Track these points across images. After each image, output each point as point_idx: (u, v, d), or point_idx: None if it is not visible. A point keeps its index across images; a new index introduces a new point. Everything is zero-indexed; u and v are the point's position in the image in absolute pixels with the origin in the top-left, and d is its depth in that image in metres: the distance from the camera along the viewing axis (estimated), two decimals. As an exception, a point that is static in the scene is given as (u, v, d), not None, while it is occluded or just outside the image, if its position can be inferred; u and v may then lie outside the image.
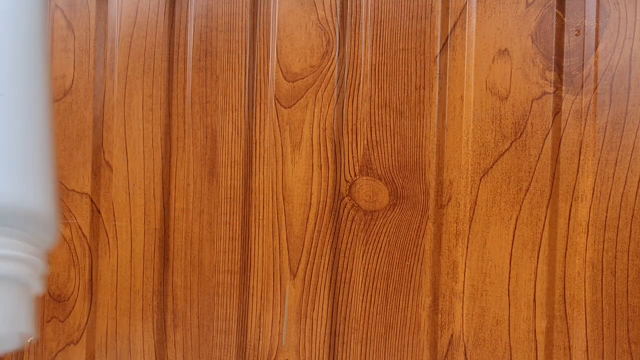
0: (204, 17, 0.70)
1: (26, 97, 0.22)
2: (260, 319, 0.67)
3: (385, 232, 0.62)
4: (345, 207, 0.63)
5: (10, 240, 0.20)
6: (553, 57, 0.56)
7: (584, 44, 0.55)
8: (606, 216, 0.54)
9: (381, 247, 0.62)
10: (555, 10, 0.56)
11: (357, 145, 0.63)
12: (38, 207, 0.22)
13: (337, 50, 0.64)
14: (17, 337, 0.21)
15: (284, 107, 0.66)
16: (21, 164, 0.22)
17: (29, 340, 0.78)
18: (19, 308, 0.20)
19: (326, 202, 0.64)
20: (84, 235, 0.75)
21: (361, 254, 0.63)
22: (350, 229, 0.63)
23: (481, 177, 0.58)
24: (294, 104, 0.65)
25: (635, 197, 0.53)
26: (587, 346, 0.55)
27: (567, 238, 0.55)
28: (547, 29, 0.56)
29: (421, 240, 0.60)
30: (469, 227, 0.59)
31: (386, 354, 0.62)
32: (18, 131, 0.21)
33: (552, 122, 0.56)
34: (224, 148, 0.69)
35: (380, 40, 0.62)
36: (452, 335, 0.59)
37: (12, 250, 0.20)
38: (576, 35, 0.55)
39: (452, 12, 0.60)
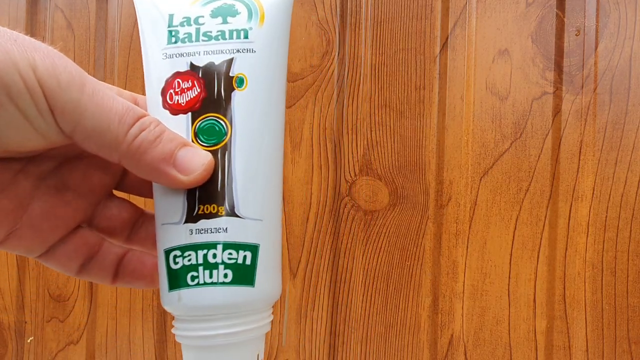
0: (204, 17, 0.70)
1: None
2: (260, 319, 0.67)
3: (385, 232, 0.62)
4: (345, 207, 0.63)
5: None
6: (553, 57, 0.56)
7: (584, 44, 0.55)
8: (606, 216, 0.54)
9: (381, 247, 0.62)
10: (555, 10, 0.56)
11: (357, 145, 0.63)
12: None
13: (337, 50, 0.64)
14: None
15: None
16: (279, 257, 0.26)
17: (28, 341, 0.78)
18: None
19: (326, 202, 0.64)
20: (84, 235, 0.75)
21: (361, 254, 0.63)
22: (350, 229, 0.63)
23: (481, 177, 0.58)
24: (294, 104, 0.65)
25: (635, 197, 0.53)
26: (587, 346, 0.55)
27: (567, 238, 0.55)
28: (547, 29, 0.56)
29: (421, 240, 0.60)
30: (469, 227, 0.59)
31: (386, 354, 0.62)
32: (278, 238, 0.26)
33: (552, 122, 0.56)
34: (224, 148, 0.69)
35: (380, 40, 0.62)
36: (452, 335, 0.59)
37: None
38: (576, 35, 0.55)
39: (452, 12, 0.60)
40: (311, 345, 0.65)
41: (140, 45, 0.28)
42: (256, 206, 0.25)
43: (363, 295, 0.63)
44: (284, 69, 0.28)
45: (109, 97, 0.23)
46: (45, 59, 0.21)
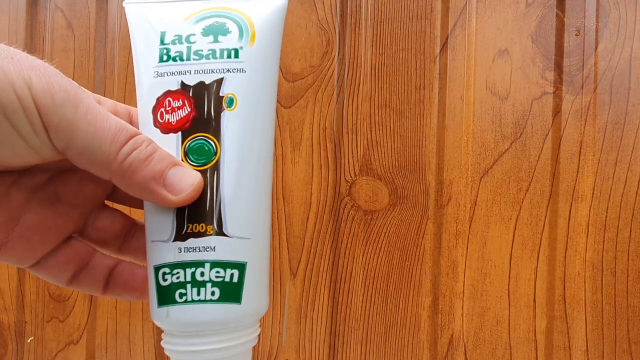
0: (204, 17, 0.70)
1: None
2: (260, 319, 0.67)
3: (385, 232, 0.62)
4: (345, 207, 0.63)
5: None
6: (553, 57, 0.56)
7: (584, 44, 0.55)
8: (606, 216, 0.54)
9: (381, 247, 0.62)
10: (555, 10, 0.56)
11: (357, 145, 0.63)
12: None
13: (337, 50, 0.64)
14: None
15: (284, 107, 0.66)
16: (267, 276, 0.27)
17: (28, 341, 0.78)
18: None
19: (326, 202, 0.64)
20: (84, 235, 0.75)
21: (361, 254, 0.63)
22: (350, 229, 0.63)
23: (481, 177, 0.58)
24: (294, 104, 0.65)
25: (635, 197, 0.53)
26: (587, 346, 0.55)
27: (567, 238, 0.55)
28: (547, 29, 0.56)
29: (421, 240, 0.60)
30: (469, 227, 0.59)
31: (386, 354, 0.62)
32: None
33: (552, 122, 0.56)
34: (224, 148, 0.69)
35: (380, 40, 0.62)
36: (452, 335, 0.59)
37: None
38: (576, 35, 0.55)
39: (452, 12, 0.60)
40: (311, 345, 0.65)
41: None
42: (244, 225, 0.25)
43: (363, 295, 0.63)
44: (274, 89, 0.28)
45: (103, 115, 0.23)
46: (41, 77, 0.21)
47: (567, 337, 0.55)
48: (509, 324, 0.57)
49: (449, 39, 0.60)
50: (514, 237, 0.57)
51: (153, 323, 0.72)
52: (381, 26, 0.62)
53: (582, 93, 0.55)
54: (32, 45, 0.78)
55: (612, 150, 0.54)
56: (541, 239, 0.56)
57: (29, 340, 0.78)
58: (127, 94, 0.72)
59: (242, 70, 0.26)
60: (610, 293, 0.54)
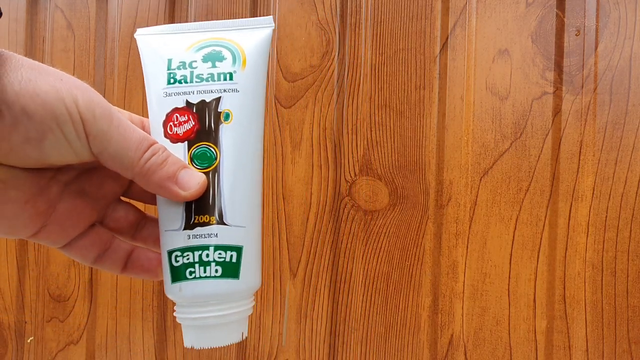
0: (204, 18, 0.70)
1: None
2: (260, 319, 0.67)
3: (385, 232, 0.62)
4: (345, 207, 0.63)
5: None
6: (553, 57, 0.56)
7: (584, 44, 0.55)
8: (606, 216, 0.54)
9: (381, 247, 0.62)
10: (555, 10, 0.56)
11: (357, 145, 0.63)
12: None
13: (337, 50, 0.64)
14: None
15: (284, 107, 0.66)
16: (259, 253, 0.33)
17: (28, 341, 0.78)
18: None
19: (326, 202, 0.64)
20: (84, 235, 0.75)
21: (361, 254, 0.63)
22: (350, 229, 0.63)
23: (481, 177, 0.58)
24: (294, 104, 0.65)
25: (635, 197, 0.53)
26: (587, 346, 0.55)
27: (567, 238, 0.55)
28: (547, 29, 0.56)
29: (421, 240, 0.60)
30: (469, 227, 0.59)
31: (386, 354, 0.62)
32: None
33: (552, 122, 0.56)
34: (224, 148, 0.69)
35: (380, 40, 0.62)
36: (452, 335, 0.59)
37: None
38: (576, 35, 0.55)
39: (452, 12, 0.60)
40: (311, 345, 0.65)
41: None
42: (240, 216, 0.31)
43: (363, 295, 0.63)
44: (262, 104, 0.33)
45: (131, 128, 0.29)
46: (84, 95, 0.27)
47: (567, 337, 0.55)
48: (509, 324, 0.57)
49: (449, 39, 0.60)
50: (514, 237, 0.57)
51: (153, 323, 0.72)
52: (381, 26, 0.62)
53: (582, 93, 0.55)
54: (32, 45, 0.78)
55: (612, 150, 0.54)
56: (541, 239, 0.56)
57: (29, 340, 0.78)
58: (127, 94, 0.72)
59: (236, 90, 0.32)
60: (610, 293, 0.54)
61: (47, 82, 0.26)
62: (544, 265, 0.56)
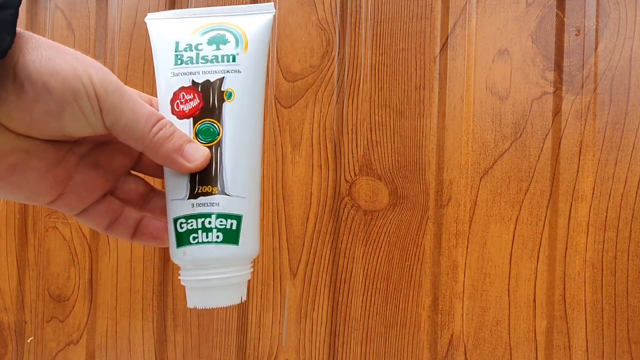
0: (204, 17, 0.70)
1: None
2: (260, 319, 0.67)
3: (385, 232, 0.62)
4: (345, 207, 0.63)
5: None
6: (553, 57, 0.56)
7: (584, 44, 0.55)
8: (606, 216, 0.54)
9: (381, 247, 0.62)
10: (555, 10, 0.56)
11: (357, 145, 0.63)
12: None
13: (337, 50, 0.64)
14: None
15: (284, 107, 0.66)
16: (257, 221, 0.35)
17: (28, 341, 0.78)
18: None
19: (326, 202, 0.64)
20: (84, 235, 0.75)
21: (361, 254, 0.63)
22: (350, 229, 0.63)
23: (481, 177, 0.58)
24: (294, 104, 0.65)
25: (635, 197, 0.53)
26: (587, 346, 0.55)
27: (567, 238, 0.55)
28: (547, 29, 0.56)
29: (421, 240, 0.60)
30: (469, 227, 0.59)
31: (386, 354, 0.62)
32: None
33: (552, 122, 0.56)
34: (224, 148, 0.69)
35: (380, 40, 0.62)
36: (452, 335, 0.59)
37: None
38: (576, 35, 0.55)
39: (452, 12, 0.60)
40: (311, 345, 0.65)
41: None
42: (240, 187, 0.33)
43: (363, 295, 0.63)
44: (263, 85, 0.35)
45: (140, 104, 0.31)
46: (98, 72, 0.29)
47: (567, 337, 0.55)
48: (509, 324, 0.57)
49: (449, 39, 0.60)
50: (514, 237, 0.57)
51: (153, 323, 0.72)
52: (381, 26, 0.62)
53: (582, 93, 0.55)
54: (32, 45, 0.77)
55: (612, 150, 0.54)
56: (541, 239, 0.56)
57: (29, 340, 0.78)
58: (127, 94, 0.72)
59: (238, 71, 0.34)
60: (610, 293, 0.54)
61: (65, 60, 0.28)
62: (544, 265, 0.56)
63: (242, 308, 0.68)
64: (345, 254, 0.63)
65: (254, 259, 0.34)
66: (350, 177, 0.63)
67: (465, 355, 0.59)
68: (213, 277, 0.32)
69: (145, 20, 0.36)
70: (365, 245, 0.63)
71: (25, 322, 0.78)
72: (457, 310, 0.59)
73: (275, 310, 0.66)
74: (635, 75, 0.53)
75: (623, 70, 0.54)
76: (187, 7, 0.71)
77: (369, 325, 0.62)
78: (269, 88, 0.67)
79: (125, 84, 0.32)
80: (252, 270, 0.34)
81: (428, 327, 0.60)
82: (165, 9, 0.71)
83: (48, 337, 0.77)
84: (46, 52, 0.28)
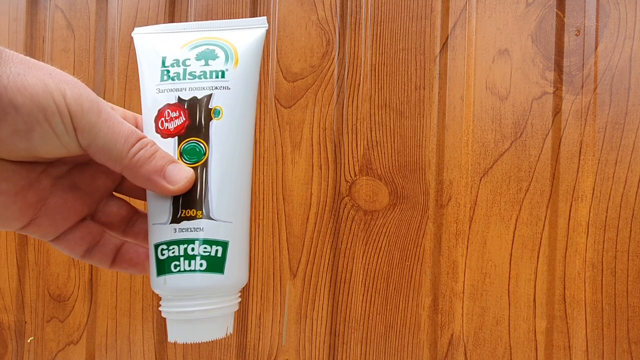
0: (204, 17, 0.70)
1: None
2: (260, 319, 0.67)
3: (385, 232, 0.62)
4: (345, 207, 0.63)
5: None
6: (553, 57, 0.56)
7: (584, 44, 0.55)
8: (606, 216, 0.54)
9: (381, 247, 0.62)
10: (555, 10, 0.56)
11: (357, 145, 0.63)
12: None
13: (337, 50, 0.64)
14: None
15: (284, 107, 0.66)
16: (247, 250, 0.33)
17: (28, 341, 0.78)
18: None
19: (326, 202, 0.64)
20: (84, 235, 0.75)
21: (361, 254, 0.63)
22: (350, 229, 0.63)
23: (481, 177, 0.58)
24: (294, 104, 0.65)
25: (635, 197, 0.53)
26: (587, 346, 0.55)
27: (567, 238, 0.55)
28: (547, 29, 0.56)
29: (421, 240, 0.60)
30: (469, 227, 0.59)
31: (386, 354, 0.62)
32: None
33: (552, 122, 0.56)
34: (224, 148, 0.69)
35: (380, 40, 0.62)
36: (452, 335, 0.59)
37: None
38: (576, 35, 0.55)
39: (452, 12, 0.60)
40: (311, 345, 0.65)
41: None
42: (227, 211, 0.31)
43: (363, 295, 0.63)
44: (253, 103, 0.34)
45: (118, 122, 0.29)
46: (73, 89, 0.27)
47: (567, 337, 0.55)
48: (509, 324, 0.57)
49: (449, 39, 0.60)
50: (514, 237, 0.57)
51: (153, 323, 0.72)
52: (381, 26, 0.62)
53: (582, 93, 0.55)
54: (32, 45, 0.78)
55: (612, 150, 0.54)
56: (541, 239, 0.56)
57: (29, 340, 0.78)
58: (127, 93, 0.72)
59: (227, 88, 0.32)
60: (610, 293, 0.54)
61: (35, 76, 0.26)
62: (544, 265, 0.56)
63: (242, 308, 0.68)
64: (345, 254, 0.63)
65: (241, 289, 0.32)
66: (350, 177, 0.63)
67: (465, 355, 0.59)
68: (196, 309, 0.30)
69: (132, 35, 0.35)
70: (365, 245, 0.63)
71: (25, 322, 0.78)
72: (457, 310, 0.59)
73: (275, 310, 0.66)
74: (635, 75, 0.53)
75: (623, 70, 0.54)
76: (187, 8, 0.71)
77: (369, 325, 0.62)
78: (268, 87, 0.67)
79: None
80: (239, 300, 0.32)
81: (428, 327, 0.60)
82: (165, 9, 0.71)
83: (48, 337, 0.77)
84: (16, 68, 0.26)
